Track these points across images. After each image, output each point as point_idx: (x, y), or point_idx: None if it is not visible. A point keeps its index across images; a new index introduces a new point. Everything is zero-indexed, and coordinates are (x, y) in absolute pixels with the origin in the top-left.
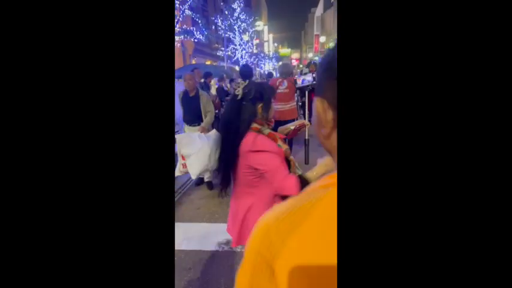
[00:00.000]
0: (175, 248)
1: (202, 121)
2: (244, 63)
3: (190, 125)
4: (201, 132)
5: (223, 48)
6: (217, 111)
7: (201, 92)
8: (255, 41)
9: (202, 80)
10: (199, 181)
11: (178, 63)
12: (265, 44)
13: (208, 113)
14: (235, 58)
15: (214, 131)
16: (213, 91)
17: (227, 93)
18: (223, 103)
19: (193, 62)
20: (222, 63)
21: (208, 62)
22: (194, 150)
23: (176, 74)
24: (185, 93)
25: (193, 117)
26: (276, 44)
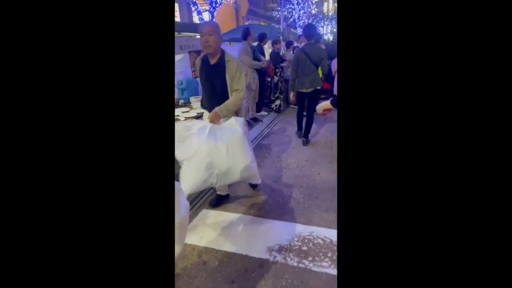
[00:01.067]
0: (218, 248)
1: None
2: (306, 23)
3: (210, 111)
4: (212, 121)
5: (279, 8)
6: (269, 79)
7: (228, 56)
8: (314, 0)
9: (256, 44)
10: (217, 201)
11: (231, 25)
12: (325, 4)
13: (235, 92)
14: (291, 19)
15: (233, 121)
16: (268, 56)
17: (282, 59)
18: (277, 70)
19: (247, 24)
20: (276, 26)
21: (262, 24)
22: (188, 154)
23: (226, 37)
24: (204, 60)
25: (214, 99)
26: (336, 4)
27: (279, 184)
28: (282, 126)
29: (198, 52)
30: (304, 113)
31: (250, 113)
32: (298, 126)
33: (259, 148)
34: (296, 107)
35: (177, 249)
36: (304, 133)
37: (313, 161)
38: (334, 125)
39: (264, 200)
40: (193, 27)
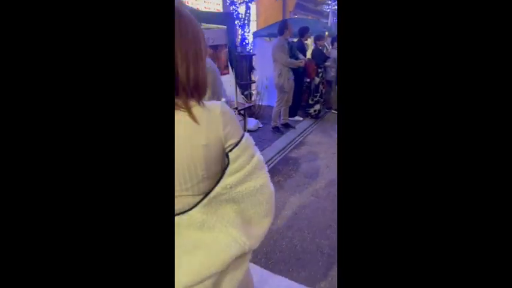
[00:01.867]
0: None
1: None
2: None
3: None
4: None
5: (330, 2)
6: (308, 80)
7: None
8: None
9: (296, 40)
10: None
11: (276, 19)
12: None
13: None
14: None
15: None
16: (310, 54)
17: (325, 58)
18: (319, 70)
19: (295, 18)
20: (324, 21)
21: (310, 19)
22: None
23: (265, 32)
24: None
25: None
26: None
27: (299, 219)
28: (317, 135)
29: (215, 47)
30: None
31: (281, 117)
32: None
33: (285, 162)
34: (337, 112)
35: (267, 222)
36: None
37: None
38: None
39: (276, 241)
40: (208, 17)
